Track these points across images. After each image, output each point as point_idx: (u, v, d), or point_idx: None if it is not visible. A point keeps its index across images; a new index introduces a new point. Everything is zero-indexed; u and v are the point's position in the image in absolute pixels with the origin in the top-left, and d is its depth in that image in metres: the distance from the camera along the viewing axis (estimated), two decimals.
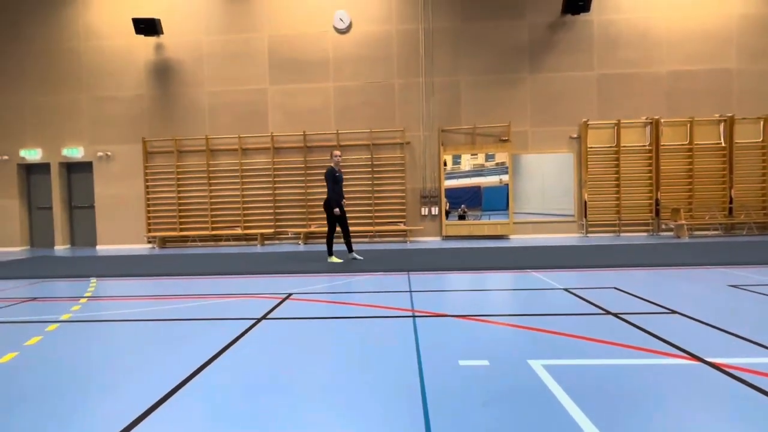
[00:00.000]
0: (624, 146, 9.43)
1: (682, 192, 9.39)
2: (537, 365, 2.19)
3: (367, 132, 9.67)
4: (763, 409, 1.70)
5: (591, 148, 9.47)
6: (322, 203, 6.28)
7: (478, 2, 9.56)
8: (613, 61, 9.46)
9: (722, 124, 9.31)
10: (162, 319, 3.38)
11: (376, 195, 9.70)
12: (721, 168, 9.34)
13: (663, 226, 9.42)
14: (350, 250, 6.30)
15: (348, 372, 2.20)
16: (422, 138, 9.67)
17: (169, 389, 2.03)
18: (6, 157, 10.30)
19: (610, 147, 9.48)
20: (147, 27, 9.51)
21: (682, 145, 9.36)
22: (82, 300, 4.17)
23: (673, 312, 3.15)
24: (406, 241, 9.54)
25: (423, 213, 9.74)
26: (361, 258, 6.30)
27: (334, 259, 6.07)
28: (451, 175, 9.56)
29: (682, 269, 4.94)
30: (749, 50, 9.34)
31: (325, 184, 6.14)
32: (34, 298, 4.32)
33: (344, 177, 9.58)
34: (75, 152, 10.16)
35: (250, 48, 9.86)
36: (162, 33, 9.81)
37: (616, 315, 3.10)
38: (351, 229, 9.57)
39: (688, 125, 9.32)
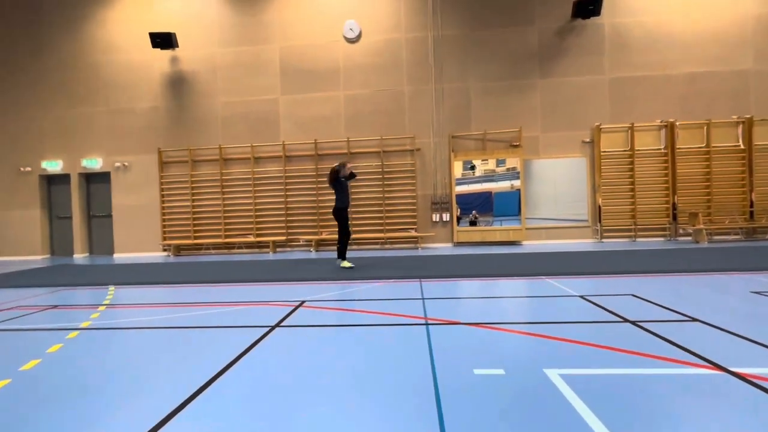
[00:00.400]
0: (638, 150, 9.29)
1: (700, 196, 9.19)
2: (553, 374, 2.15)
3: (378, 139, 9.73)
4: None
5: (604, 152, 9.35)
6: (332, 211, 6.36)
7: (487, 9, 9.59)
8: (625, 64, 9.37)
9: (740, 126, 9.11)
10: (178, 326, 3.43)
11: (386, 202, 9.72)
12: (740, 171, 9.12)
13: (681, 231, 9.21)
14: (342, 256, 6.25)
15: (362, 380, 2.20)
16: (432, 144, 9.68)
17: (188, 396, 2.06)
18: (29, 169, 10.65)
19: (624, 151, 9.34)
20: (163, 41, 9.79)
21: (699, 147, 9.18)
22: (101, 308, 4.26)
23: (694, 320, 3.07)
24: (417, 248, 9.52)
25: (434, 219, 9.72)
26: (353, 266, 6.14)
27: (346, 264, 6.10)
28: (461, 181, 9.53)
29: (702, 275, 4.82)
30: (766, 51, 9.15)
31: (332, 191, 6.26)
32: (55, 306, 4.43)
33: (355, 184, 9.67)
34: (94, 163, 10.46)
35: (262, 59, 10.05)
36: (177, 46, 10.08)
37: (633, 323, 3.04)
38: (362, 236, 9.63)
39: (705, 128, 9.14)
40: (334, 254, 8.71)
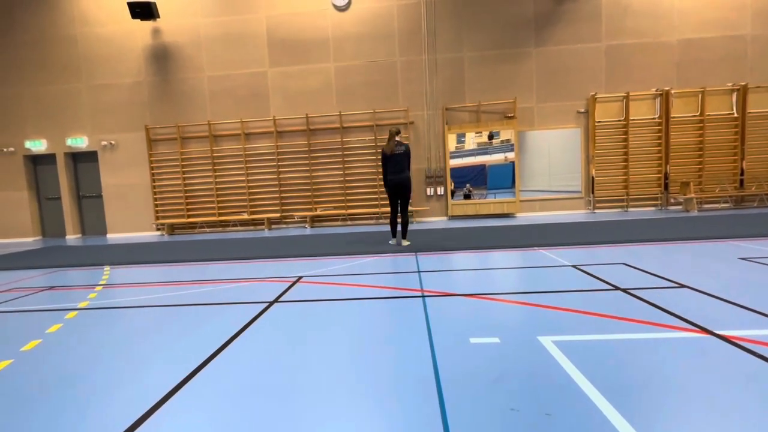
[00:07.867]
0: (633, 119, 9.24)
1: (692, 165, 9.24)
2: (547, 341, 2.22)
3: (370, 113, 9.55)
4: None
5: (599, 122, 9.29)
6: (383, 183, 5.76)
7: None
8: (621, 31, 9.15)
9: (735, 93, 9.05)
10: (177, 304, 3.45)
11: (380, 177, 9.65)
12: (732, 139, 9.14)
13: (672, 200, 9.32)
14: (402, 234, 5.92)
15: (362, 351, 2.25)
16: (426, 117, 9.53)
17: (189, 372, 2.10)
18: (12, 149, 10.35)
19: (619, 120, 9.28)
20: (143, 11, 9.32)
21: (693, 116, 9.14)
22: (98, 288, 4.27)
23: (683, 286, 3.16)
24: (412, 222, 9.55)
25: (428, 193, 9.70)
26: (408, 243, 5.89)
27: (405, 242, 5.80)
28: (455, 154, 9.46)
29: (692, 243, 4.92)
30: (765, 15, 8.97)
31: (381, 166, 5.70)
32: (52, 287, 4.42)
33: (349, 159, 9.57)
34: (79, 142, 10.18)
35: (248, 29, 9.65)
36: (158, 17, 9.61)
37: (625, 291, 3.11)
38: (356, 211, 9.63)
39: (700, 96, 9.07)
40: (329, 230, 8.74)
